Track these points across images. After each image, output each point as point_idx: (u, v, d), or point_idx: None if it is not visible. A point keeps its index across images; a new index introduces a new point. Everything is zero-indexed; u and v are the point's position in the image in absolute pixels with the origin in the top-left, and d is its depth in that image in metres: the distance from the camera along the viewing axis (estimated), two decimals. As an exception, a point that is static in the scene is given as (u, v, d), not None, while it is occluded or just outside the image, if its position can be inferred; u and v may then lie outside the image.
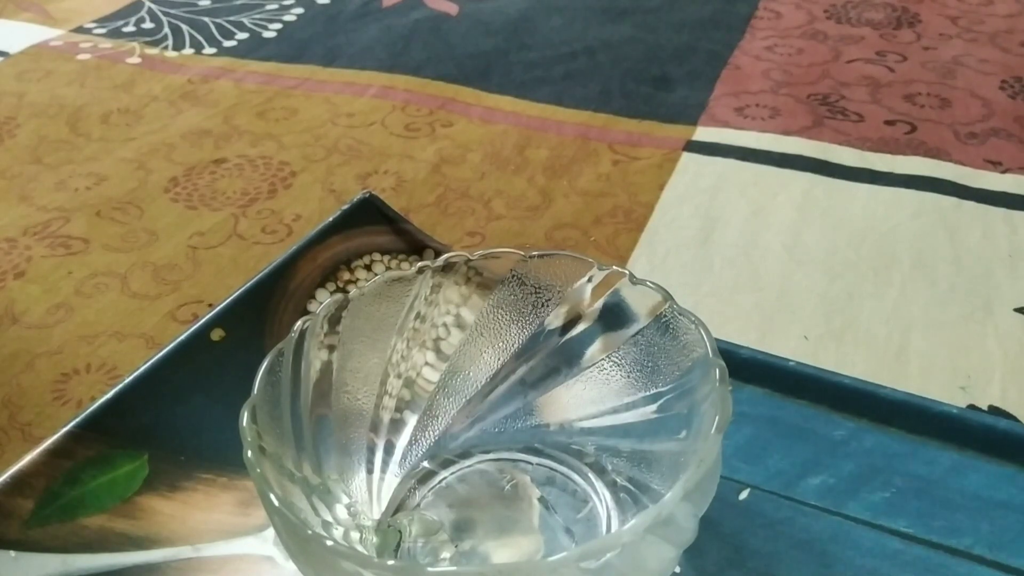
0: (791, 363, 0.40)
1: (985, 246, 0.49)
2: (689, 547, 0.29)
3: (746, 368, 0.40)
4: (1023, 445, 0.36)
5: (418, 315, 0.35)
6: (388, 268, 0.45)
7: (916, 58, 0.68)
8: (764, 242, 0.50)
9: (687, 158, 0.57)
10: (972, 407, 0.39)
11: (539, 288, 0.35)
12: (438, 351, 0.36)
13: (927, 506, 0.34)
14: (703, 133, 0.60)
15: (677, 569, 0.32)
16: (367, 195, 0.48)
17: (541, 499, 0.34)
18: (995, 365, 0.41)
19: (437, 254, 0.43)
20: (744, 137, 0.59)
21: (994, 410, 0.38)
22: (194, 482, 0.35)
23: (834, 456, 0.36)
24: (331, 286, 0.44)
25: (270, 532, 0.33)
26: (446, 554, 0.32)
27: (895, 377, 0.40)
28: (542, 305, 0.35)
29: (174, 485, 0.35)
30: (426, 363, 0.36)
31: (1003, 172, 0.54)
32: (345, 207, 0.47)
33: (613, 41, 0.73)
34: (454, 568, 0.28)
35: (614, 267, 0.34)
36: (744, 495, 0.34)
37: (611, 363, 0.35)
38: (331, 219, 0.46)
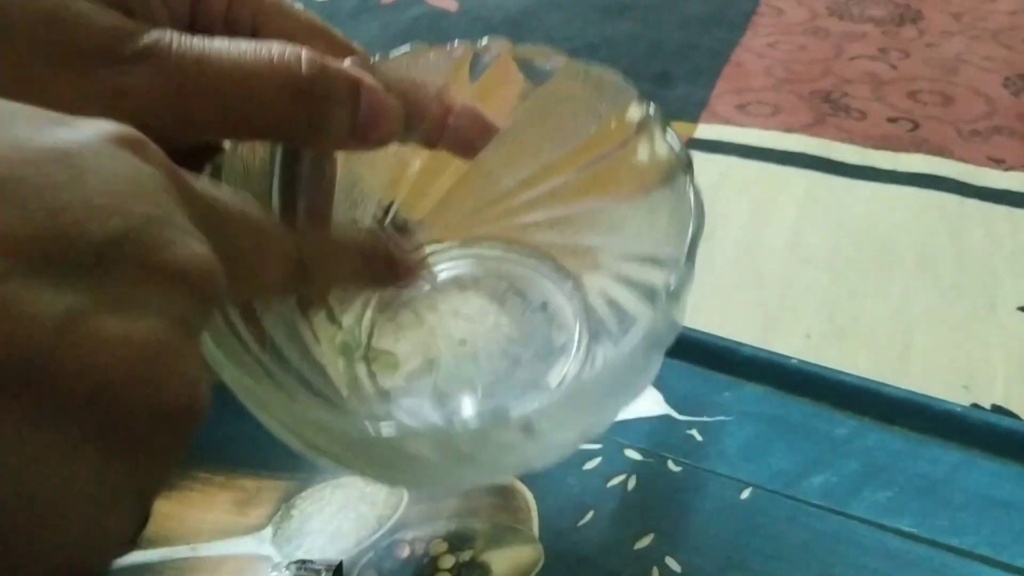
0: (793, 361, 0.40)
1: (988, 244, 0.48)
2: (690, 547, 0.29)
3: (748, 366, 0.39)
4: (1027, 444, 0.36)
5: None
6: None
7: (919, 55, 0.68)
8: (766, 240, 0.49)
9: (688, 155, 0.57)
10: (975, 406, 0.38)
11: None
12: None
13: (930, 505, 0.34)
14: (704, 130, 0.60)
15: (678, 569, 0.32)
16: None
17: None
18: (998, 364, 0.41)
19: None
20: (746, 134, 0.59)
21: (997, 409, 0.38)
22: (191, 481, 0.35)
23: (836, 455, 0.36)
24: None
25: (268, 532, 0.33)
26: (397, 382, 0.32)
27: (898, 375, 0.40)
28: None
29: (171, 484, 0.35)
30: None
31: (1006, 170, 0.54)
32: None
33: (614, 38, 0.73)
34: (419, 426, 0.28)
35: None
36: (746, 494, 0.34)
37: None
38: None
